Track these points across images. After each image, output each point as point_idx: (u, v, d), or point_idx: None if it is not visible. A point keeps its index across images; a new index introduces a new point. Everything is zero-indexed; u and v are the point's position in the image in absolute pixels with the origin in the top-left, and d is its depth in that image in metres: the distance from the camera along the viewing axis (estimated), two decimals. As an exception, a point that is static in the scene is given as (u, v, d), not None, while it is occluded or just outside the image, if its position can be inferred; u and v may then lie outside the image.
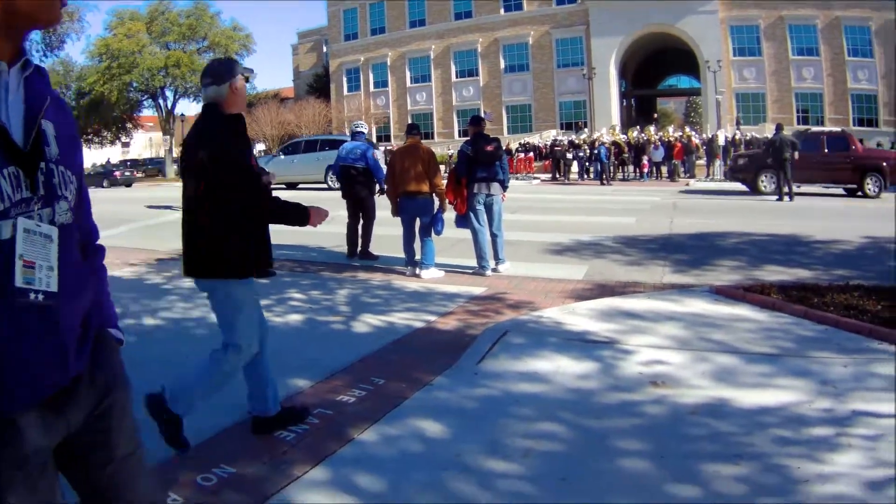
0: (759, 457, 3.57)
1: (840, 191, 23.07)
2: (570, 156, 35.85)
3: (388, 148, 39.71)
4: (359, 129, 11.18)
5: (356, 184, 10.63)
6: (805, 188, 22.54)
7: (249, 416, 4.10)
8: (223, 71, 3.78)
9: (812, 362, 4.99)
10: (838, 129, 30.58)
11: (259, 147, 50.68)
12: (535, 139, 50.58)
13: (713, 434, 3.86)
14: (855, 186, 22.45)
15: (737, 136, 44.33)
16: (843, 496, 3.17)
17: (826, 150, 22.87)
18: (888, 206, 16.90)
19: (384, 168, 10.23)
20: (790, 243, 11.67)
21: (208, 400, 3.89)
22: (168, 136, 51.96)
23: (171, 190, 25.93)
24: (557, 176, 35.49)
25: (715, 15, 54.38)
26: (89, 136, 59.79)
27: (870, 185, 22.00)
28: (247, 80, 3.87)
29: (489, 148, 8.99)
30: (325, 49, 75.67)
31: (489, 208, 9.07)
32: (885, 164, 22.50)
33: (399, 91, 66.99)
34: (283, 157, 29.18)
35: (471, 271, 9.14)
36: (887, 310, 6.08)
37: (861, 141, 26.40)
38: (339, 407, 4.39)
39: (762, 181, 22.80)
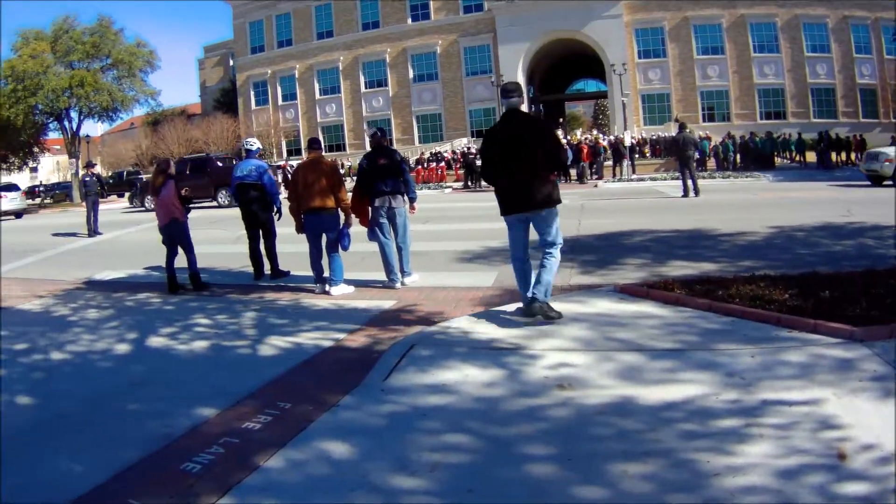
0: (667, 453, 3.61)
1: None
2: (479, 163, 36.02)
3: (290, 163, 39.49)
4: (249, 147, 10.77)
5: (253, 203, 10.37)
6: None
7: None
8: (520, 89, 6.59)
9: (718, 354, 5.08)
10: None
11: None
12: (446, 148, 50.82)
13: (620, 433, 3.90)
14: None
15: (642, 137, 45.58)
16: (755, 487, 3.21)
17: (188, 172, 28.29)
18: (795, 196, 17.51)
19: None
20: (695, 238, 11.95)
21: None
22: (74, 159, 50.26)
23: (77, 216, 25.10)
24: (469, 184, 35.68)
25: (619, 19, 55.70)
26: (-4, 163, 57.61)
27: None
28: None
29: (382, 161, 8.96)
30: (231, 63, 74.59)
31: (392, 220, 9.02)
32: None
33: (308, 103, 66.47)
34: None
35: (380, 285, 9.10)
36: (795, 298, 6.21)
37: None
38: (246, 434, 4.32)
39: None
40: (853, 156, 39.57)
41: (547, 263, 6.36)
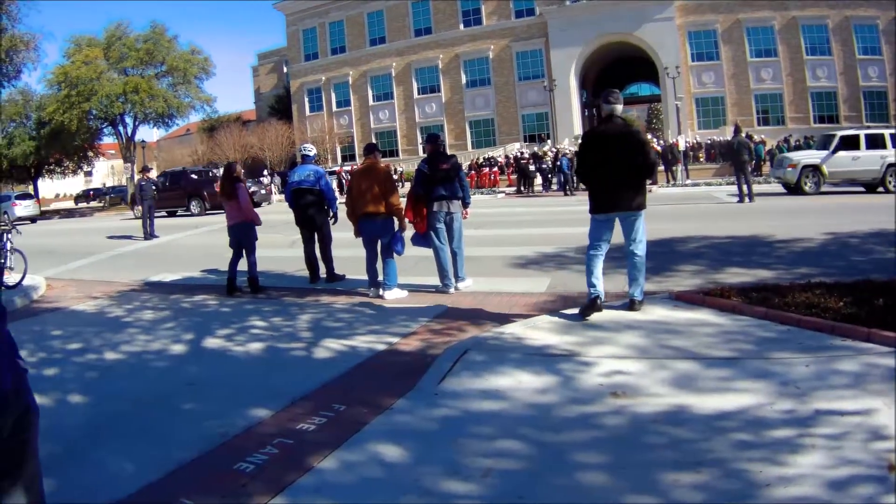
0: (720, 463, 3.56)
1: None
2: (532, 168, 36.02)
3: (345, 169, 40.44)
4: (306, 153, 10.91)
5: (310, 208, 10.46)
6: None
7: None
8: (619, 95, 6.85)
9: (773, 363, 4.99)
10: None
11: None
12: (499, 153, 50.80)
13: (673, 442, 3.85)
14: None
15: (696, 141, 45.00)
16: (807, 498, 3.16)
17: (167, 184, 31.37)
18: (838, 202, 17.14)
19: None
20: (751, 244, 11.76)
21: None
22: (129, 164, 51.38)
23: (131, 220, 25.69)
24: (522, 189, 35.62)
25: (672, 21, 55.05)
26: (51, 167, 59.13)
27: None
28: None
29: (444, 166, 9.00)
30: (285, 70, 75.51)
31: (449, 226, 9.05)
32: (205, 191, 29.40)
33: (362, 109, 67.00)
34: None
35: (434, 290, 9.12)
36: (849, 306, 6.10)
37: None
38: (300, 435, 4.36)
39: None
40: None
41: (638, 264, 6.85)
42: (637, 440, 3.94)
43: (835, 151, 23.00)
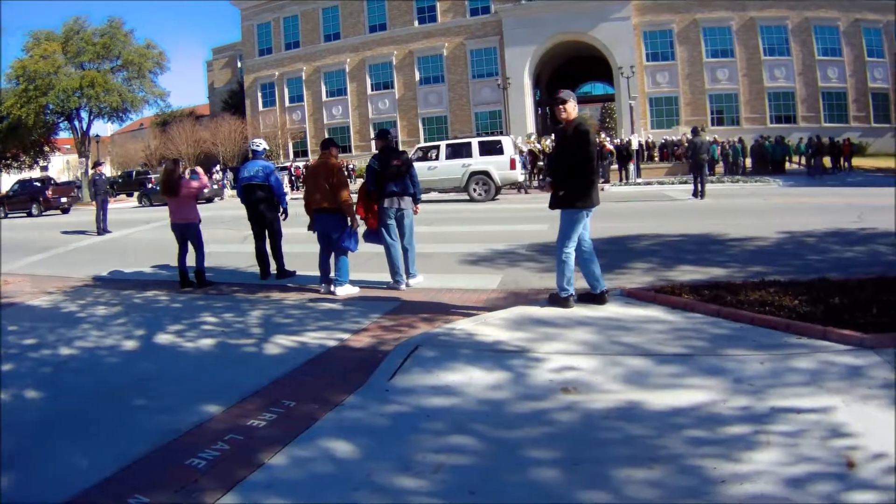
0: (674, 459, 3.59)
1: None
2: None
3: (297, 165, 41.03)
4: (255, 148, 10.78)
5: (260, 204, 10.37)
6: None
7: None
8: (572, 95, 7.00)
9: (726, 360, 5.04)
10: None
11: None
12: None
13: (626, 438, 3.88)
14: None
15: (649, 140, 45.46)
16: (764, 494, 3.19)
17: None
18: (819, 202, 17.48)
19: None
20: (704, 242, 11.89)
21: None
22: (84, 159, 50.57)
23: (86, 214, 25.29)
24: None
25: (628, 21, 55.45)
26: (8, 161, 57.95)
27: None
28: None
29: (395, 162, 8.99)
30: (239, 65, 74.66)
31: (400, 222, 9.05)
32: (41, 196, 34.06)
33: (315, 105, 66.49)
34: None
35: (385, 286, 9.11)
36: (805, 304, 6.16)
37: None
38: (251, 431, 4.35)
39: None
40: (843, 161, 39.23)
41: (595, 258, 7.10)
42: (589, 436, 3.97)
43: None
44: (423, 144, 25.93)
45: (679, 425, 4.00)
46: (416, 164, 22.51)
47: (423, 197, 9.64)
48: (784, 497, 3.17)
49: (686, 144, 22.89)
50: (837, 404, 4.16)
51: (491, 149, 25.03)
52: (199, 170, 10.72)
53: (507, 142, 25.56)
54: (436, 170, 25.00)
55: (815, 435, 3.77)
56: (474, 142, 25.60)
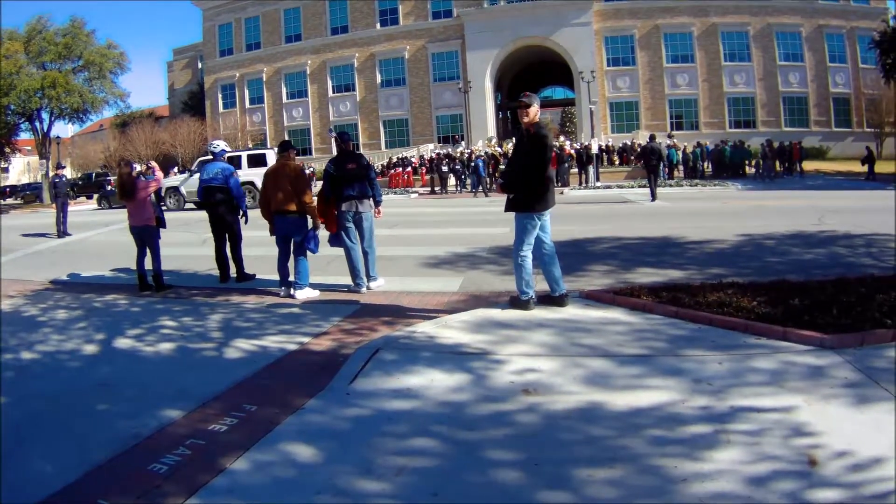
0: (634, 459, 3.63)
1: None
2: (446, 168, 36.22)
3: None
4: (214, 150, 10.74)
5: (219, 206, 10.32)
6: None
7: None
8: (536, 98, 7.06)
9: (685, 361, 5.10)
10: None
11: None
12: (412, 153, 50.86)
13: (587, 439, 3.92)
14: None
15: (609, 144, 45.85)
16: (725, 493, 3.23)
17: None
18: (768, 205, 17.75)
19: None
20: (663, 245, 12.05)
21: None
22: (45, 160, 49.73)
23: (47, 217, 24.91)
24: (435, 189, 35.79)
25: (589, 27, 56.11)
26: (-31, 163, 56.96)
27: None
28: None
29: (350, 166, 8.98)
30: (200, 65, 73.98)
31: (359, 225, 9.05)
32: None
33: (275, 107, 66.16)
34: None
35: (346, 289, 9.11)
36: (764, 305, 6.26)
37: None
38: (212, 436, 4.34)
39: None
40: (796, 164, 39.87)
41: (555, 260, 7.16)
42: (550, 437, 3.99)
43: (192, 174, 27.62)
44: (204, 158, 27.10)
45: (640, 425, 4.05)
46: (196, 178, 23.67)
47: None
48: (746, 495, 3.21)
49: (638, 151, 24.55)
50: (799, 403, 4.23)
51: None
52: (154, 164, 10.58)
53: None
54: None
55: (777, 434, 3.82)
56: (244, 154, 28.46)
